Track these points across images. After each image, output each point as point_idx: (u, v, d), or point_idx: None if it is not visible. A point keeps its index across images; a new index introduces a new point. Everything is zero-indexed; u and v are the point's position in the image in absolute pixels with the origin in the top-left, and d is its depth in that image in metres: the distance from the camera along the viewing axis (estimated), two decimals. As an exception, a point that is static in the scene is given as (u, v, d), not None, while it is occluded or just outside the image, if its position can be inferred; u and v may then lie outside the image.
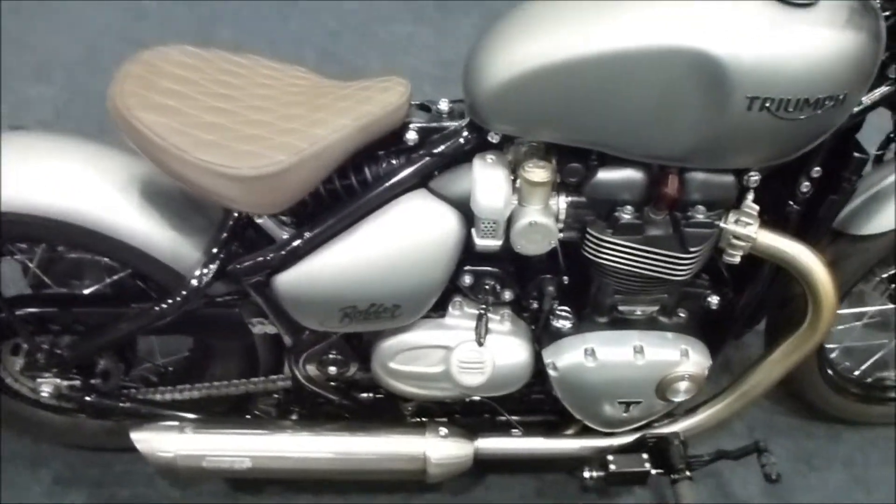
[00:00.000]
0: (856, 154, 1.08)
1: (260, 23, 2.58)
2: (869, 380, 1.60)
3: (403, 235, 1.07)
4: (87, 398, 1.29)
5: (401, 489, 1.46)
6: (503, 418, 1.37)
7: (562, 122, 0.99)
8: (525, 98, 0.97)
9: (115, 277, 1.28)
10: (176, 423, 1.25)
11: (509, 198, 1.05)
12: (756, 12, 0.90)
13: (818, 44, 0.90)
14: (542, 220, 1.05)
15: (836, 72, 0.92)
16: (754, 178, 1.06)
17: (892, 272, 1.42)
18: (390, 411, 1.36)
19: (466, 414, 1.38)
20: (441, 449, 1.25)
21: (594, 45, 0.92)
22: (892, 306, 1.47)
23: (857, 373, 1.60)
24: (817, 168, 1.10)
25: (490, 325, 1.18)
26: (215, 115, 1.02)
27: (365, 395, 1.34)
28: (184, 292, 1.13)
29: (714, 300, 1.22)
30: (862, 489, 1.56)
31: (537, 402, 1.37)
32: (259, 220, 1.12)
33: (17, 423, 1.46)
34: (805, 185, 1.11)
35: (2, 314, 1.19)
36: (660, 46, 0.90)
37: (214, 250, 1.14)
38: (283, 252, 1.08)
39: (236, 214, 1.13)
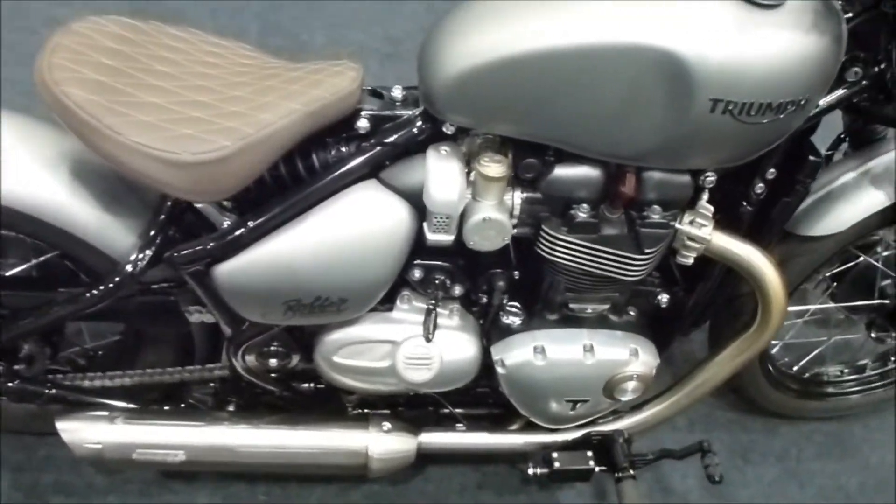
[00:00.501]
0: (811, 157, 1.08)
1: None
2: (806, 375, 1.64)
3: (352, 227, 1.03)
4: (10, 384, 1.21)
5: (339, 479, 1.43)
6: (447, 411, 1.35)
7: (520, 117, 0.96)
8: (482, 90, 0.93)
9: (42, 259, 1.20)
10: (105, 412, 1.19)
11: (463, 192, 1.02)
12: (723, 12, 0.87)
13: (784, 47, 0.88)
14: (496, 217, 1.02)
15: (800, 76, 0.90)
16: (710, 178, 1.05)
17: (835, 271, 1.44)
18: (331, 403, 1.32)
19: (410, 406, 1.35)
20: (384, 444, 1.22)
21: (557, 38, 0.88)
22: (832, 304, 1.49)
23: (795, 368, 1.63)
24: (772, 170, 1.09)
25: (438, 320, 1.15)
26: (153, 94, 0.95)
27: (305, 385, 1.30)
28: (117, 278, 1.07)
29: (664, 298, 1.22)
30: (796, 483, 1.60)
31: (482, 395, 1.35)
32: (198, 205, 1.05)
33: None
34: (759, 187, 1.11)
35: None
36: (625, 43, 0.87)
37: (151, 233, 1.08)
38: (224, 241, 1.02)
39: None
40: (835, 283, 1.46)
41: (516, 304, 1.19)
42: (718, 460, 1.23)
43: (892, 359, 1.62)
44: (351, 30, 2.39)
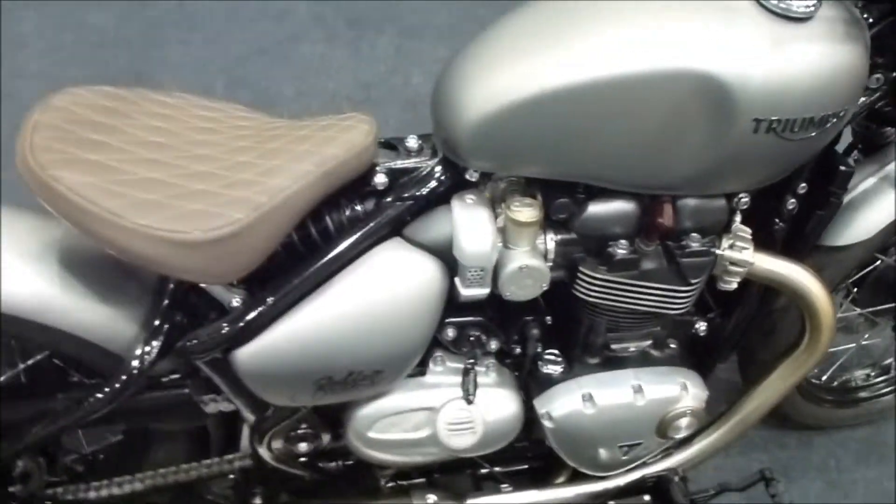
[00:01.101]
0: (841, 167, 1.04)
1: (158, 51, 2.37)
2: (835, 384, 1.60)
3: (381, 292, 0.94)
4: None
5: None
6: (485, 471, 1.27)
7: (551, 156, 0.90)
8: (509, 132, 0.87)
9: (31, 362, 1.08)
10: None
11: (495, 241, 0.95)
12: (758, 29, 0.83)
13: (821, 59, 0.85)
14: (533, 263, 0.95)
15: (839, 86, 0.87)
16: (744, 199, 1.00)
17: (856, 277, 1.41)
18: (364, 479, 1.22)
19: (446, 472, 1.26)
20: (432, 518, 1.13)
21: (588, 70, 0.83)
22: (856, 311, 1.46)
23: (824, 378, 1.59)
24: (803, 185, 1.05)
25: (476, 379, 1.07)
26: (150, 169, 0.86)
27: (334, 465, 1.20)
28: (124, 376, 0.96)
29: (702, 327, 1.16)
30: (840, 493, 1.56)
31: (520, 450, 1.26)
32: (203, 285, 0.96)
33: None
34: (791, 203, 1.06)
35: None
36: (662, 70, 0.82)
37: (155, 323, 0.98)
38: (241, 323, 0.92)
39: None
40: (856, 289, 1.43)
41: (554, 351, 1.12)
42: (784, 487, 1.17)
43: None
44: (319, 78, 2.32)
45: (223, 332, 0.93)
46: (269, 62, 2.36)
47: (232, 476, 1.19)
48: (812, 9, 0.84)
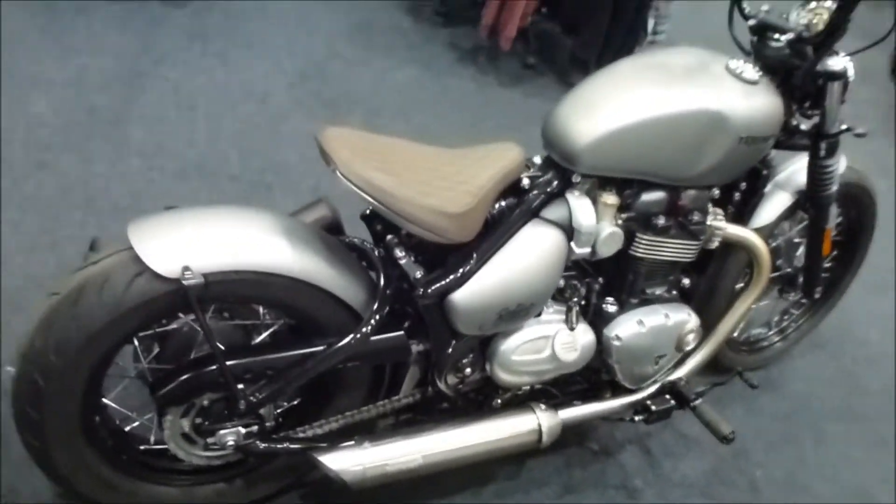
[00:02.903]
0: (763, 171, 1.77)
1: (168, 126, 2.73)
2: (743, 338, 2.32)
3: (533, 250, 1.49)
4: (261, 444, 1.44)
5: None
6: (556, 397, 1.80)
7: (634, 162, 1.51)
8: (611, 147, 1.47)
9: (276, 326, 1.47)
10: (351, 442, 1.46)
11: (594, 218, 1.54)
12: (733, 86, 1.53)
13: (766, 102, 1.56)
14: (616, 230, 1.55)
15: (775, 119, 1.58)
16: (716, 191, 1.68)
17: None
18: (484, 404, 1.70)
19: (535, 398, 1.77)
20: (549, 419, 1.65)
21: (655, 109, 1.47)
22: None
23: (735, 335, 2.30)
24: (743, 184, 1.76)
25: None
26: (408, 174, 1.36)
27: (472, 394, 1.67)
28: (371, 321, 1.40)
29: (686, 281, 1.81)
30: (768, 398, 2.25)
31: (572, 380, 1.81)
32: (401, 262, 1.45)
33: (119, 501, 1.51)
34: (737, 194, 1.77)
35: (214, 368, 1.33)
36: (695, 108, 1.49)
37: (380, 286, 1.44)
38: (458, 275, 1.42)
39: (379, 254, 1.47)
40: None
41: (610, 298, 1.71)
42: (749, 375, 1.83)
43: (792, 310, 2.36)
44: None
45: (447, 281, 1.42)
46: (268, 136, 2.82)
47: (392, 416, 1.62)
48: (757, 77, 1.56)
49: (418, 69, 3.44)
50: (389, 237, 1.50)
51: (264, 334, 1.48)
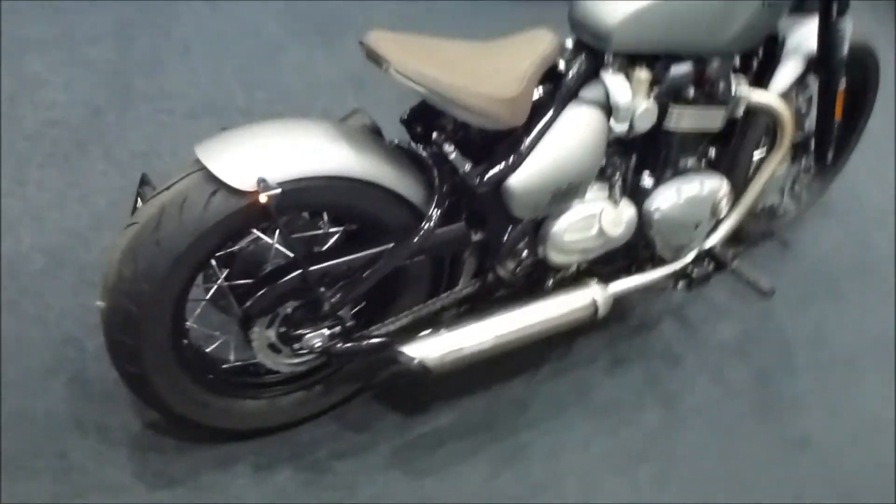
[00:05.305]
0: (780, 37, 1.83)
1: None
2: (762, 205, 2.41)
3: (578, 128, 1.55)
4: (344, 344, 1.52)
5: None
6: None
7: (667, 35, 1.55)
8: (643, 22, 1.51)
9: (337, 235, 1.53)
10: (429, 330, 1.55)
11: (631, 94, 1.59)
12: None
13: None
14: (651, 105, 1.61)
15: None
16: (737, 60, 1.74)
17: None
18: (536, 287, 1.79)
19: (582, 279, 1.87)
20: (601, 293, 1.74)
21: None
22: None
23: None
24: (761, 49, 1.82)
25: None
26: (457, 67, 1.40)
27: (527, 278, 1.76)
28: (434, 215, 1.46)
29: (712, 151, 1.89)
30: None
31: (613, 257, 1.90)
32: (451, 157, 1.50)
33: (213, 418, 1.59)
34: (755, 61, 1.83)
35: (296, 274, 1.40)
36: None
37: (437, 183, 1.49)
38: (510, 161, 1.48)
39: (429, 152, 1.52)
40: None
41: (647, 171, 1.78)
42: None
43: (802, 176, 2.46)
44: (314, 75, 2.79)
45: (503, 167, 1.48)
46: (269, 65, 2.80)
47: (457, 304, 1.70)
48: None
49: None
50: (436, 134, 1.55)
51: (329, 243, 1.53)
